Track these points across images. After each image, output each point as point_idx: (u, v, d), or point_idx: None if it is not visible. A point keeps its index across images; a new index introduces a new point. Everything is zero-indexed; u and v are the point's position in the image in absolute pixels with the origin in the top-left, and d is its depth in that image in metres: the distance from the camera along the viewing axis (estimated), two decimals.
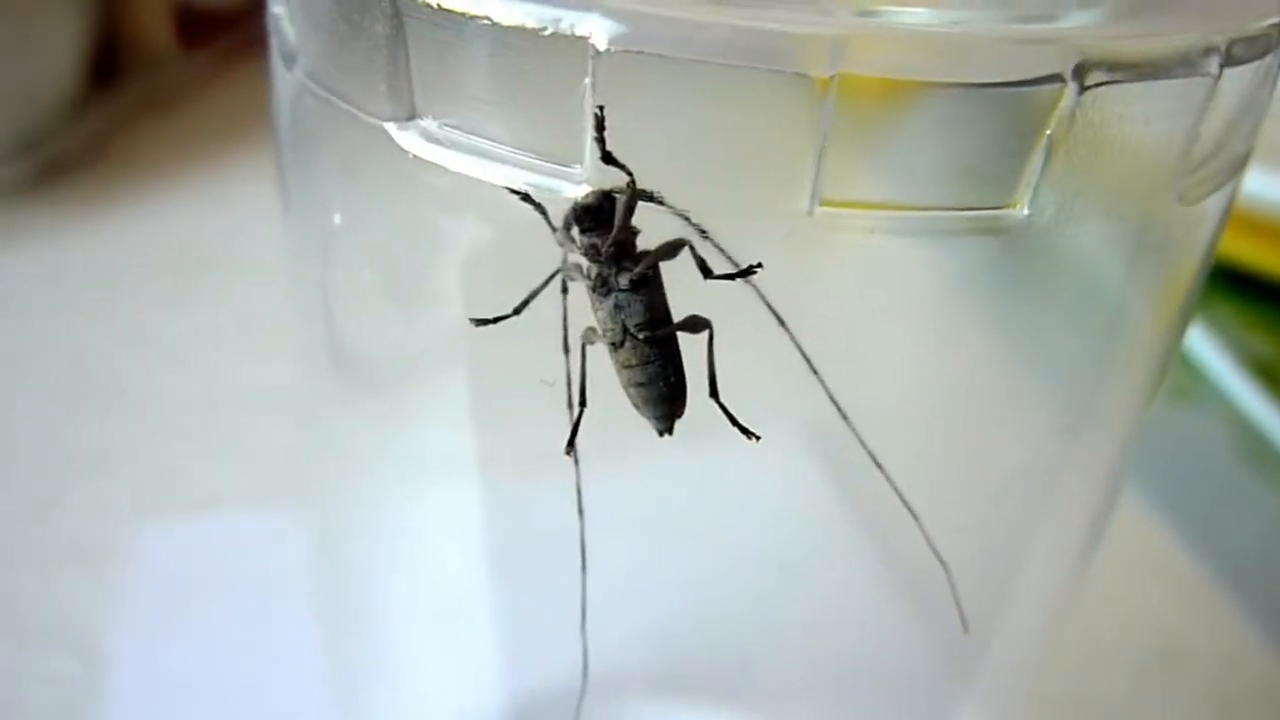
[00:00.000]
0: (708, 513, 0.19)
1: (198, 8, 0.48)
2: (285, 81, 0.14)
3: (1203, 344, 0.36)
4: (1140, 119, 0.11)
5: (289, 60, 0.13)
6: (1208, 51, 0.11)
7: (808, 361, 0.12)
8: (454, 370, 0.16)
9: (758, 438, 0.12)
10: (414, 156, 0.12)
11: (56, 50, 0.41)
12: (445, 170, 0.12)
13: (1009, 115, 0.11)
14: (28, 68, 0.40)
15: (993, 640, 0.19)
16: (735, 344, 0.13)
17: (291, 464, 0.28)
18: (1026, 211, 0.11)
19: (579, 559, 0.15)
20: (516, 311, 0.12)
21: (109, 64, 0.44)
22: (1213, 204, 0.14)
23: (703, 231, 0.12)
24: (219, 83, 0.48)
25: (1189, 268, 0.15)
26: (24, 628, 0.24)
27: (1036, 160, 0.11)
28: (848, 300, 0.14)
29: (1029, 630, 0.19)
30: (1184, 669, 0.26)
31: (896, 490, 0.13)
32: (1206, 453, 0.33)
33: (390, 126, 0.12)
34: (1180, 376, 0.35)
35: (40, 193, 0.40)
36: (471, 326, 0.13)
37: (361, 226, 0.15)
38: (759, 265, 0.11)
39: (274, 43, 0.14)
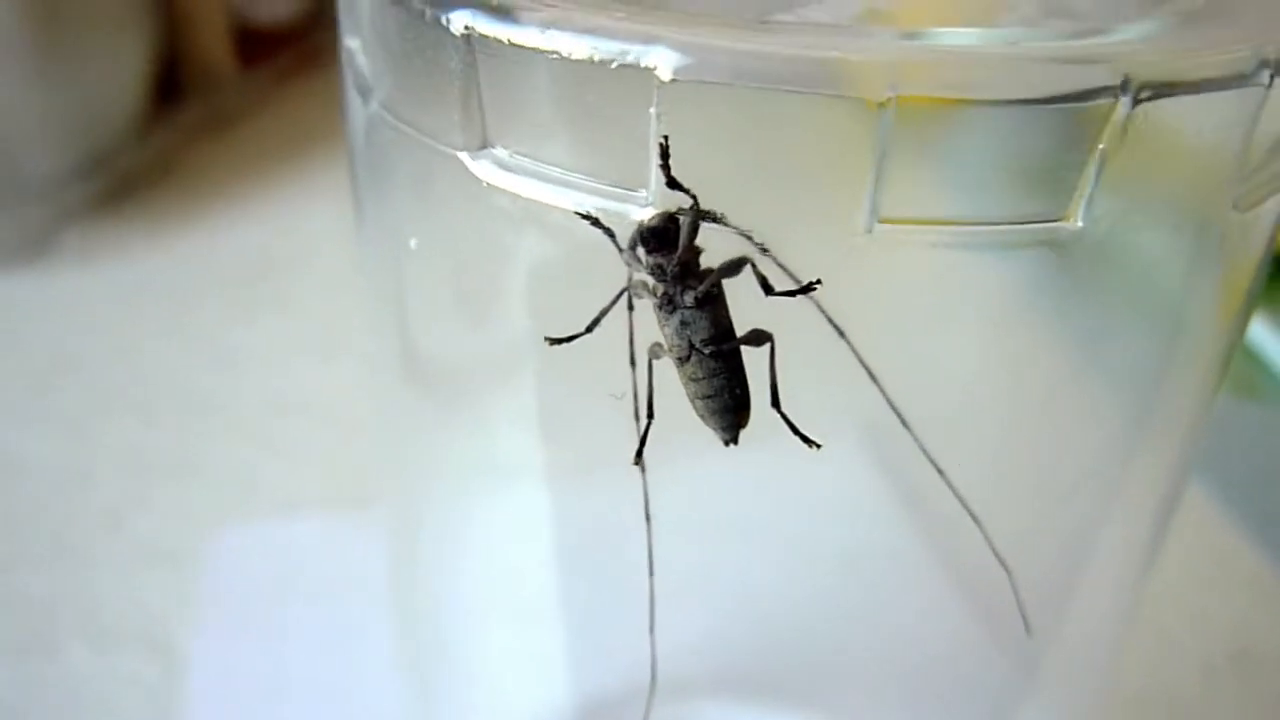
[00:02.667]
0: (771, 516, 0.20)
1: (255, 27, 0.49)
2: (360, 113, 0.14)
3: (1267, 338, 0.35)
4: (1192, 129, 0.12)
5: (364, 93, 0.14)
6: (1259, 66, 0.11)
7: (868, 371, 0.13)
8: (524, 380, 0.17)
9: (819, 446, 0.12)
10: (487, 184, 0.13)
11: (121, 72, 0.42)
12: (516, 195, 0.13)
13: (1062, 129, 0.11)
14: (95, 90, 0.41)
15: (1058, 640, 0.19)
16: (796, 351, 0.13)
17: (361, 469, 0.29)
18: (1080, 224, 0.11)
19: (646, 562, 0.15)
20: (588, 329, 0.13)
21: (171, 84, 0.45)
22: (1270, 206, 0.14)
23: (764, 249, 0.12)
24: (278, 99, 0.49)
25: (1247, 270, 0.15)
26: (106, 630, 0.25)
27: (1090, 173, 0.11)
28: (908, 308, 0.14)
29: (1094, 630, 0.19)
30: (1254, 668, 0.26)
31: (958, 495, 0.14)
32: (1274, 448, 0.32)
33: (464, 156, 0.13)
34: (1244, 371, 0.34)
35: (110, 210, 0.41)
36: (541, 339, 0.13)
37: (436, 248, 0.15)
38: (818, 282, 0.12)
39: (348, 76, 0.15)
